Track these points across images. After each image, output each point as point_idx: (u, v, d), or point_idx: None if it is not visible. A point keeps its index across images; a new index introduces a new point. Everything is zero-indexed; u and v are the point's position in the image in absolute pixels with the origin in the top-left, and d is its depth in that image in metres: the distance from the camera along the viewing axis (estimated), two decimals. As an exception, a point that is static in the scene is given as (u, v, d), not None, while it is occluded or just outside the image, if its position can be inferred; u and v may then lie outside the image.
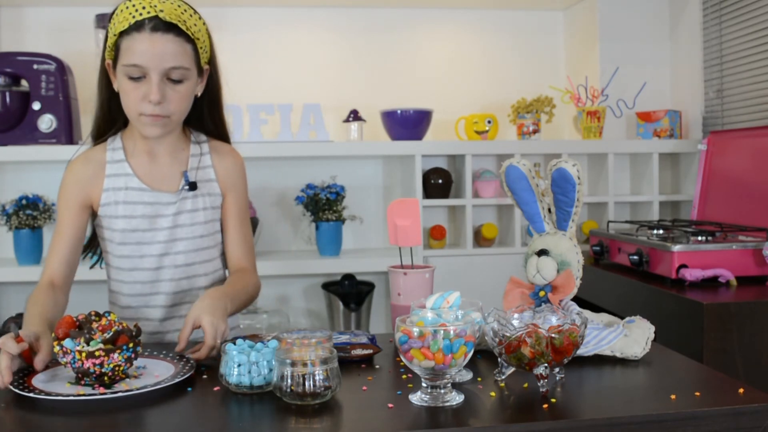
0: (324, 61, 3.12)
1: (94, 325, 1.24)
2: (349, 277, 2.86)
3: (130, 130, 1.66)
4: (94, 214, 1.67)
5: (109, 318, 1.27)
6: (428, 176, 2.88)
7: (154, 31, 1.49)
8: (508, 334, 1.12)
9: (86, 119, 2.82)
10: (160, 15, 1.49)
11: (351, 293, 2.84)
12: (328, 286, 2.88)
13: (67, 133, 2.71)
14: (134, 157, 1.65)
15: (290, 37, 3.10)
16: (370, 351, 1.36)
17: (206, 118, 1.70)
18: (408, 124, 2.83)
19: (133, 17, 1.49)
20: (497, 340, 1.14)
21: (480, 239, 2.92)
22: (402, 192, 3.01)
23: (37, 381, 1.23)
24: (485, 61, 3.25)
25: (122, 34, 1.51)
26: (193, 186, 1.63)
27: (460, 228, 2.96)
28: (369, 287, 2.89)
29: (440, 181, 2.87)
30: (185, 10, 1.54)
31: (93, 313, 1.29)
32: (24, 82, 2.74)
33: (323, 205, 2.78)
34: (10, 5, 3.00)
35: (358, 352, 1.35)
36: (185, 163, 1.67)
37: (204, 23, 1.59)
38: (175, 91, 1.53)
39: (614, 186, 3.01)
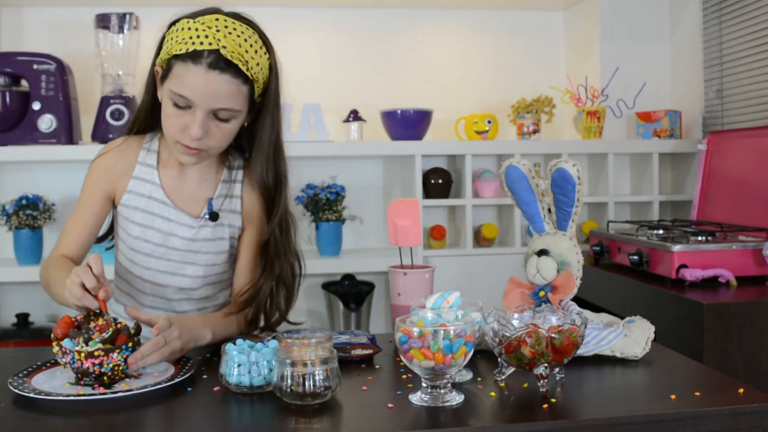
0: (324, 60, 3.12)
1: (93, 324, 1.24)
2: (349, 277, 2.86)
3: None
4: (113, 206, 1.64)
5: (106, 317, 1.27)
6: (428, 176, 2.88)
7: (210, 68, 1.39)
8: (508, 334, 1.12)
9: (86, 119, 2.83)
10: (222, 51, 1.38)
11: (351, 293, 2.84)
12: (328, 286, 2.88)
13: (67, 133, 2.71)
14: (165, 168, 1.59)
15: (290, 36, 3.10)
16: (370, 351, 1.36)
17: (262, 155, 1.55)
18: (408, 124, 2.83)
19: (193, 44, 1.39)
20: (497, 340, 1.14)
21: (480, 239, 2.92)
22: (402, 192, 3.01)
23: (37, 381, 1.23)
24: (485, 61, 3.25)
25: (176, 57, 1.41)
26: (214, 217, 1.58)
27: (460, 228, 2.96)
28: (369, 287, 2.89)
29: (440, 181, 2.87)
30: (252, 45, 1.43)
31: (92, 312, 1.28)
32: (24, 82, 2.74)
33: (323, 205, 2.78)
34: (9, 5, 3.00)
35: (358, 352, 1.35)
36: (214, 188, 1.60)
37: (268, 56, 1.48)
38: (219, 129, 1.44)
39: (614, 186, 3.01)
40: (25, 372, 1.27)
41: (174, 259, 1.59)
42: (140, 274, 1.61)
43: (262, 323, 1.63)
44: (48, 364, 1.32)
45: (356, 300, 2.84)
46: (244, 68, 1.41)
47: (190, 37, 1.40)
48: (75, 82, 2.82)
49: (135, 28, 2.79)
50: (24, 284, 2.94)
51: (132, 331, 1.25)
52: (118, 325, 1.25)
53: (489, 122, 2.92)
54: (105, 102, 2.74)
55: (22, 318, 2.83)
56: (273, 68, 1.51)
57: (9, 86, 2.71)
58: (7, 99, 2.69)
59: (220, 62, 1.39)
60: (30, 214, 2.73)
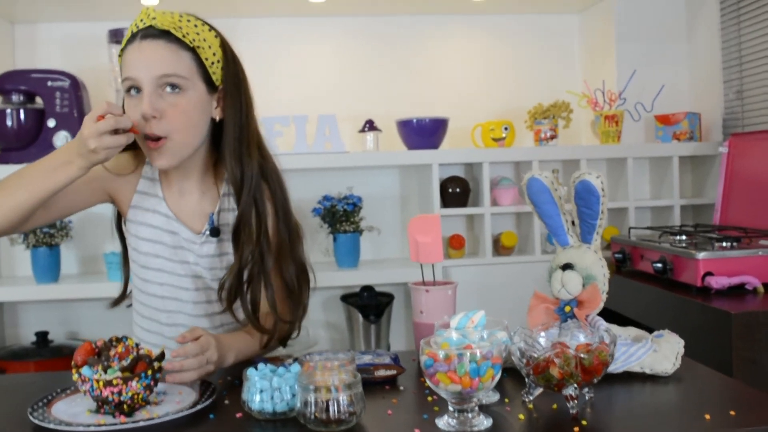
0: (338, 71, 3.10)
1: (113, 352, 1.22)
2: (367, 289, 2.84)
3: None
4: (119, 218, 1.62)
5: (127, 344, 1.25)
6: (445, 185, 2.85)
7: (143, 39, 1.41)
8: (535, 355, 1.09)
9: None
10: (153, 23, 1.41)
11: (370, 305, 2.81)
12: (346, 298, 2.85)
13: (82, 150, 2.70)
14: (168, 183, 1.57)
15: (304, 47, 3.08)
16: (394, 372, 1.34)
17: (231, 155, 1.50)
18: (424, 133, 2.80)
19: (131, 32, 1.43)
20: (524, 360, 1.11)
21: (499, 248, 2.88)
22: (419, 201, 2.98)
23: (58, 410, 1.22)
24: (500, 67, 3.22)
25: (122, 52, 1.45)
26: (215, 232, 1.55)
27: (478, 237, 2.92)
28: (388, 298, 2.86)
29: (458, 189, 2.84)
30: (188, 21, 1.45)
31: (113, 338, 1.26)
32: (38, 99, 2.74)
33: (340, 217, 2.76)
34: (23, 22, 3.00)
35: (382, 373, 1.32)
36: (212, 204, 1.57)
37: (216, 36, 1.48)
38: (170, 105, 1.41)
39: (634, 191, 2.97)
40: (45, 400, 1.25)
41: (185, 273, 1.56)
42: (155, 291, 1.58)
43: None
44: (68, 391, 1.30)
45: (375, 312, 2.81)
46: (178, 34, 1.42)
47: (129, 31, 1.44)
48: (89, 98, 2.82)
49: (148, 42, 2.78)
50: (42, 303, 2.94)
51: (153, 358, 1.23)
52: (140, 352, 1.22)
53: (506, 129, 2.89)
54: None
55: (41, 336, 2.82)
56: (226, 49, 1.50)
57: (24, 104, 2.71)
58: (22, 116, 2.69)
59: (152, 31, 1.41)
60: (47, 232, 2.72)
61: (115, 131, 1.32)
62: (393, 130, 2.89)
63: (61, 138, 2.69)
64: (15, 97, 2.70)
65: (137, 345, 1.26)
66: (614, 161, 3.03)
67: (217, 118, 1.51)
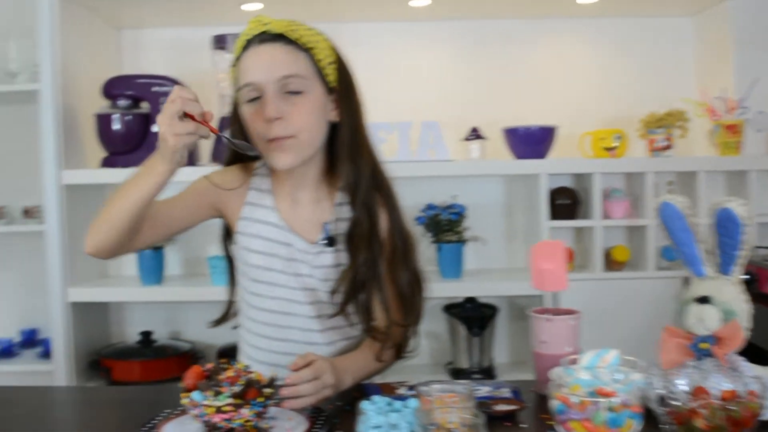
0: (443, 76, 3.03)
1: (222, 376, 1.18)
2: (471, 300, 2.76)
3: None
4: (228, 233, 1.60)
5: (237, 367, 1.21)
6: (553, 196, 2.74)
7: (260, 44, 1.42)
8: (677, 404, 1.00)
9: (205, 140, 2.82)
10: (266, 28, 1.42)
11: (474, 317, 2.74)
12: (449, 309, 2.78)
13: (186, 155, 2.71)
14: (279, 193, 1.55)
15: (407, 52, 3.02)
16: (515, 407, 1.26)
17: (345, 160, 1.49)
18: (531, 142, 2.71)
19: (245, 41, 1.44)
20: (666, 409, 1.01)
21: (610, 262, 2.76)
22: (525, 212, 2.88)
23: (167, 432, 1.19)
24: (609, 73, 3.09)
25: (236, 61, 1.46)
26: (331, 242, 1.51)
27: (588, 250, 2.80)
28: (492, 311, 2.78)
29: (567, 201, 2.73)
30: (299, 25, 1.45)
31: (223, 361, 1.23)
32: (144, 104, 2.77)
33: (444, 226, 2.69)
34: (130, 27, 3.04)
35: (502, 408, 1.25)
36: (327, 213, 1.54)
37: (326, 39, 1.48)
38: (294, 106, 1.41)
39: (757, 206, 2.79)
40: (154, 422, 1.23)
41: (298, 286, 1.52)
42: (266, 306, 1.55)
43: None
44: (177, 412, 1.28)
45: (479, 324, 2.74)
46: (293, 36, 1.42)
47: (241, 40, 1.45)
48: (194, 103, 2.82)
49: (253, 47, 2.77)
50: (148, 304, 2.98)
51: (264, 383, 1.19)
52: (250, 376, 1.18)
53: (617, 138, 2.76)
54: (223, 123, 2.72)
55: (145, 336, 2.86)
56: (338, 56, 1.50)
57: (130, 109, 2.74)
58: (128, 121, 2.72)
59: (267, 36, 1.42)
60: (153, 235, 2.74)
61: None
62: (498, 138, 2.80)
63: (167, 142, 2.70)
64: (121, 102, 2.73)
65: (247, 368, 1.22)
66: (734, 174, 2.85)
67: (334, 120, 1.49)
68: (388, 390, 1.37)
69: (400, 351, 1.54)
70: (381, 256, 1.50)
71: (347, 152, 1.49)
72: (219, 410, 1.13)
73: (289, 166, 1.45)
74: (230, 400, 1.13)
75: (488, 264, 2.95)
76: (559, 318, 1.34)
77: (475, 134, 2.78)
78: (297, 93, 1.42)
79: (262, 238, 1.53)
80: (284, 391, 1.25)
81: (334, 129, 1.50)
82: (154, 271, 2.78)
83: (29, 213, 2.83)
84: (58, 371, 2.67)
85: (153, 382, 2.73)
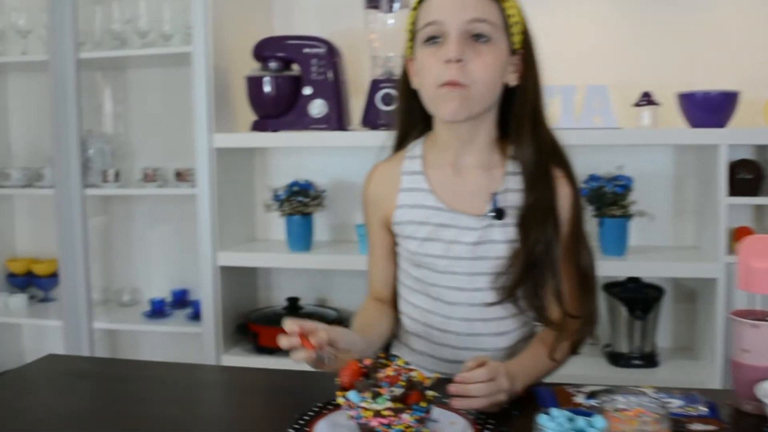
0: (611, 36, 2.76)
1: (381, 374, 1.07)
2: (634, 280, 2.55)
3: (433, 137, 1.47)
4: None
5: (397, 364, 1.09)
6: (733, 169, 2.47)
7: None
8: None
9: (355, 103, 2.73)
10: None
11: (637, 298, 2.53)
12: (610, 289, 2.58)
13: (337, 119, 2.63)
14: (434, 169, 1.45)
15: (572, 8, 2.79)
16: (714, 427, 1.08)
17: (524, 128, 1.39)
18: (710, 109, 2.43)
19: None
20: None
21: (797, 245, 2.47)
22: (698, 186, 2.62)
23: (320, 431, 1.10)
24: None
25: (420, 3, 1.37)
26: (499, 214, 1.38)
27: (770, 230, 2.53)
28: (657, 293, 2.56)
29: (749, 175, 2.45)
30: None
31: (382, 355, 1.12)
32: (295, 67, 2.69)
33: (608, 199, 2.48)
34: (282, -13, 2.98)
35: (698, 427, 1.08)
36: (497, 183, 1.41)
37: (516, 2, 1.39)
38: (477, 54, 1.31)
39: None
40: (306, 418, 1.13)
41: (460, 270, 1.40)
42: (427, 291, 1.44)
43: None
44: (329, 408, 1.18)
45: (642, 306, 2.53)
46: None
47: None
48: (345, 64, 2.73)
49: (406, 6, 2.64)
50: (295, 271, 2.94)
51: (427, 385, 1.07)
52: (412, 377, 1.07)
53: (811, 104, 2.45)
54: (375, 86, 2.62)
55: (292, 302, 2.83)
56: (524, 17, 1.40)
57: (281, 71, 2.67)
58: (280, 84, 2.66)
59: None
60: (301, 201, 2.69)
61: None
62: (672, 104, 2.54)
63: (317, 106, 2.62)
64: (272, 64, 2.67)
65: (407, 366, 1.10)
66: None
67: (511, 84, 1.38)
68: (563, 396, 1.22)
69: (575, 347, 1.39)
70: (557, 236, 1.36)
71: (528, 120, 1.38)
72: (377, 414, 1.02)
73: (455, 116, 1.34)
74: (390, 404, 1.02)
75: (654, 241, 2.72)
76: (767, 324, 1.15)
77: (646, 99, 2.54)
78: (483, 40, 1.32)
79: (418, 223, 1.43)
80: (453, 389, 1.14)
81: (506, 93, 1.39)
82: (302, 237, 2.73)
83: (181, 176, 2.84)
84: (206, 334, 2.69)
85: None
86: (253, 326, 2.73)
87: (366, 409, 1.02)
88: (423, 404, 1.04)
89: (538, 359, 1.35)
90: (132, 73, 3.12)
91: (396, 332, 1.55)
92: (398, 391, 1.03)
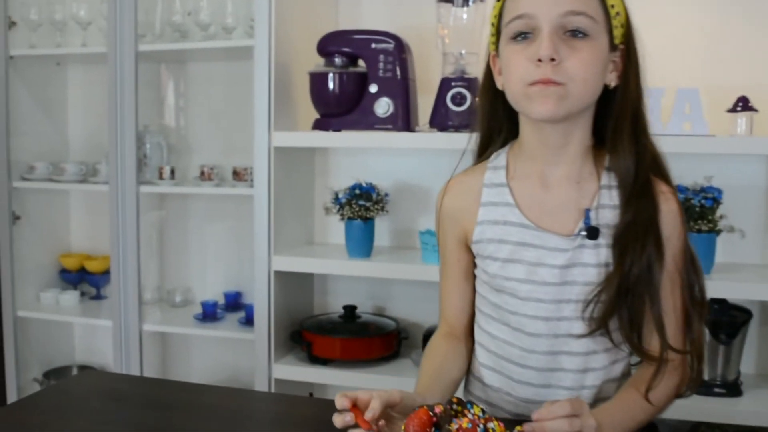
0: (705, 35, 2.53)
1: (455, 426, 0.91)
2: (719, 302, 2.34)
3: (518, 146, 1.31)
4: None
5: (472, 412, 0.94)
6: (838, 183, 2.24)
7: None
8: None
9: (423, 102, 2.57)
10: None
11: (723, 321, 2.32)
12: (693, 311, 2.37)
13: (404, 119, 2.48)
14: (519, 181, 1.29)
15: (662, 6, 2.57)
16: None
17: (624, 135, 1.22)
18: (813, 116, 2.22)
19: None
20: None
21: None
22: (795, 200, 2.40)
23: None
24: None
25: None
26: (592, 233, 1.22)
27: None
28: (745, 316, 2.35)
29: None
30: None
31: (455, 400, 0.97)
32: (361, 63, 2.55)
33: (695, 213, 2.28)
34: (349, -20, 2.83)
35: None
36: (589, 197, 1.25)
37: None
38: (573, 50, 1.15)
39: None
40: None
41: (545, 298, 1.24)
42: (507, 320, 1.28)
43: None
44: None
45: (728, 330, 2.32)
46: None
47: None
48: (413, 61, 2.58)
49: (480, 0, 2.47)
50: (353, 279, 2.81)
51: (507, 440, 0.91)
52: (490, 427, 0.91)
53: None
54: (445, 84, 2.45)
55: (349, 310, 2.70)
56: (626, 8, 1.25)
57: (346, 67, 2.53)
58: (345, 80, 2.52)
59: None
60: (363, 205, 2.54)
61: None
62: (768, 110, 2.33)
63: (382, 105, 2.48)
64: (337, 60, 2.53)
65: (484, 414, 0.94)
66: None
67: (612, 85, 1.21)
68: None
69: (678, 389, 1.22)
70: (660, 259, 1.19)
71: (628, 125, 1.21)
72: (449, 475, 0.86)
73: (552, 114, 1.17)
74: (465, 465, 0.86)
75: (743, 259, 2.50)
76: None
77: (742, 104, 2.32)
78: (580, 36, 1.16)
79: (499, 242, 1.27)
80: (528, 427, 0.99)
81: (604, 95, 1.22)
82: (362, 243, 2.59)
83: (239, 175, 2.73)
84: (259, 341, 2.57)
85: (354, 361, 2.57)
86: (308, 334, 2.60)
87: (437, 468, 0.87)
88: (504, 465, 0.88)
89: (630, 405, 1.17)
90: (192, 66, 3.02)
91: (470, 365, 1.39)
92: (475, 447, 0.88)
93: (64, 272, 3.15)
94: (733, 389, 2.34)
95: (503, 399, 1.31)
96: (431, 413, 0.94)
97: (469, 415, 0.93)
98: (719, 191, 2.30)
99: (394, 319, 2.72)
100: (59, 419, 1.23)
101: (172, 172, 2.77)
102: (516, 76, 1.19)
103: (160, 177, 2.77)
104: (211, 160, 2.89)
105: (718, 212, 2.31)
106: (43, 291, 3.04)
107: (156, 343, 3.09)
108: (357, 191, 2.56)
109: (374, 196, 2.57)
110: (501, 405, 1.31)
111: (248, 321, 2.71)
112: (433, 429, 0.91)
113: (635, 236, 1.19)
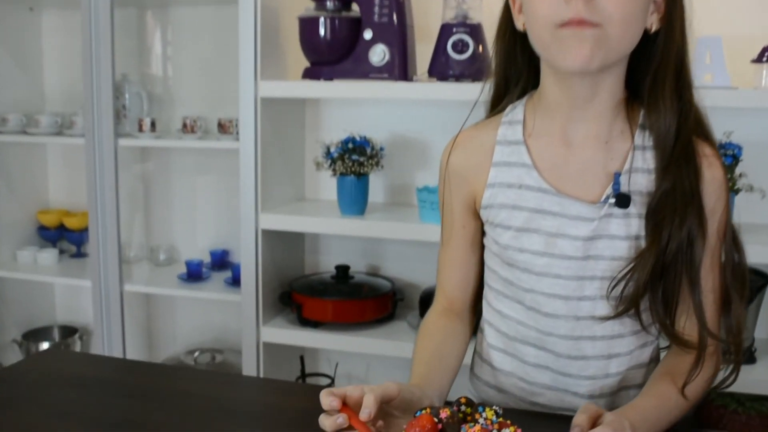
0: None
1: (466, 433, 0.77)
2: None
3: (537, 98, 1.14)
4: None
5: (484, 416, 0.79)
6: None
7: None
8: None
9: (422, 49, 2.39)
10: None
11: (740, 286, 2.19)
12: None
13: (400, 68, 2.30)
14: (537, 139, 1.12)
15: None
16: None
17: (665, 88, 1.05)
18: (843, 67, 2.05)
19: None
20: None
21: None
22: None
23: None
24: None
25: None
26: (623, 200, 1.06)
27: None
28: (762, 280, 2.22)
29: None
30: None
31: (463, 401, 0.82)
32: (355, 7, 2.36)
33: (714, 172, 2.13)
34: None
35: None
36: (619, 159, 1.09)
37: None
38: None
39: None
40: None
41: (564, 274, 1.09)
42: (521, 298, 1.12)
43: None
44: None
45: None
46: None
47: None
48: (411, 6, 2.39)
49: (485, -63, 2.28)
50: (346, 239, 2.66)
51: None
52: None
53: None
54: (446, 31, 2.27)
55: (342, 271, 2.56)
56: None
57: (339, 11, 2.35)
58: (337, 26, 2.34)
59: None
60: (356, 160, 2.38)
61: None
62: (795, 60, 2.15)
63: (378, 52, 2.30)
64: (329, 4, 2.34)
65: (498, 417, 0.80)
66: None
67: (653, 29, 1.03)
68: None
69: (712, 380, 1.07)
70: (701, 233, 1.03)
71: (671, 78, 1.04)
72: (458, 495, 0.72)
73: (586, 65, 1.00)
74: (478, 485, 0.72)
75: (762, 220, 2.36)
76: None
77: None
78: None
79: (515, 208, 1.11)
80: None
81: (643, 43, 1.05)
82: (355, 200, 2.43)
83: (224, 127, 2.55)
84: (246, 303, 2.43)
85: (346, 324, 2.44)
86: (298, 296, 2.47)
87: (443, 487, 0.73)
88: (524, 484, 0.74)
89: (666, 403, 1.03)
90: (175, 11, 2.82)
91: (477, 346, 1.24)
92: (489, 463, 0.73)
93: (42, 229, 2.99)
94: (747, 356, 2.22)
95: (515, 385, 1.17)
96: (435, 419, 0.79)
97: (481, 420, 0.78)
98: (739, 148, 2.15)
99: (389, 280, 2.58)
100: (6, 409, 1.08)
101: (153, 124, 2.60)
102: (541, 16, 1.01)
103: (140, 129, 2.60)
104: (195, 111, 2.71)
105: (738, 170, 2.16)
106: (20, 249, 2.89)
107: (140, 304, 2.96)
108: (350, 145, 2.39)
109: (368, 150, 2.40)
110: (513, 392, 1.17)
111: (235, 281, 2.57)
112: (439, 438, 0.77)
113: (674, 207, 1.03)
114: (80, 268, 2.85)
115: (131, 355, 2.84)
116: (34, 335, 2.96)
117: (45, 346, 2.92)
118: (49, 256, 2.87)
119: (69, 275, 2.81)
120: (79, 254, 3.00)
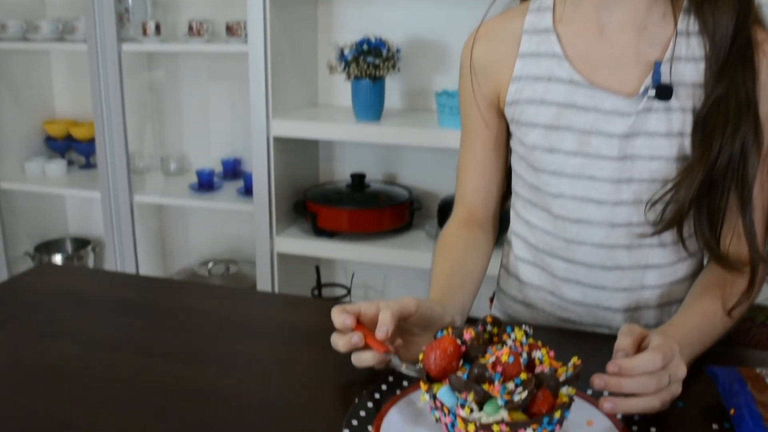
0: None
1: (491, 358, 0.69)
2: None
3: None
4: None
5: (513, 337, 0.71)
6: None
7: None
8: None
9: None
10: None
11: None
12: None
13: (417, -38, 2.15)
14: (567, 25, 1.00)
15: None
16: None
17: None
18: None
19: None
20: None
21: None
22: None
23: (389, 428, 0.73)
24: None
25: None
26: (664, 92, 0.93)
27: None
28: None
29: None
30: None
31: (489, 320, 0.73)
32: None
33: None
34: None
35: None
36: (659, 47, 0.96)
37: None
38: None
39: None
40: (368, 408, 0.77)
41: (599, 176, 0.98)
42: (548, 206, 1.03)
43: None
44: (404, 389, 0.81)
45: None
46: None
47: None
48: None
49: None
50: (362, 146, 2.56)
51: (563, 380, 0.68)
52: (541, 372, 0.68)
53: None
54: None
55: (357, 179, 2.46)
56: None
57: None
58: None
59: None
60: (371, 62, 2.26)
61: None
62: None
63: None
64: None
65: (529, 338, 0.71)
66: None
67: None
68: (756, 383, 0.81)
69: (755, 298, 0.98)
70: (756, 146, 0.91)
71: None
72: (484, 428, 0.64)
73: None
74: (505, 416, 0.64)
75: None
76: None
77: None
78: None
79: (543, 103, 0.99)
80: (599, 382, 0.73)
81: None
82: (371, 105, 2.32)
83: (232, 30, 2.42)
84: (259, 213, 2.35)
85: (362, 233, 2.36)
86: (312, 205, 2.38)
87: (466, 420, 0.65)
88: (557, 414, 0.65)
89: (710, 320, 0.93)
90: None
91: (504, 259, 1.16)
92: (518, 391, 0.65)
93: (49, 140, 2.91)
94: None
95: (544, 300, 1.08)
96: (458, 341, 0.71)
97: (509, 342, 0.70)
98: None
99: (406, 188, 2.49)
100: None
101: (158, 27, 2.47)
102: None
103: (144, 33, 2.47)
104: (202, 14, 2.57)
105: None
106: (27, 161, 2.81)
107: (153, 215, 2.89)
108: (365, 47, 2.26)
109: (384, 52, 2.27)
110: (542, 306, 1.09)
111: (248, 191, 2.49)
112: (461, 362, 0.69)
113: (726, 116, 0.91)
114: (90, 179, 2.78)
115: (144, 267, 2.79)
116: (47, 247, 2.92)
117: (57, 258, 2.88)
118: (57, 167, 2.80)
119: (79, 186, 2.73)
120: (89, 165, 2.92)
